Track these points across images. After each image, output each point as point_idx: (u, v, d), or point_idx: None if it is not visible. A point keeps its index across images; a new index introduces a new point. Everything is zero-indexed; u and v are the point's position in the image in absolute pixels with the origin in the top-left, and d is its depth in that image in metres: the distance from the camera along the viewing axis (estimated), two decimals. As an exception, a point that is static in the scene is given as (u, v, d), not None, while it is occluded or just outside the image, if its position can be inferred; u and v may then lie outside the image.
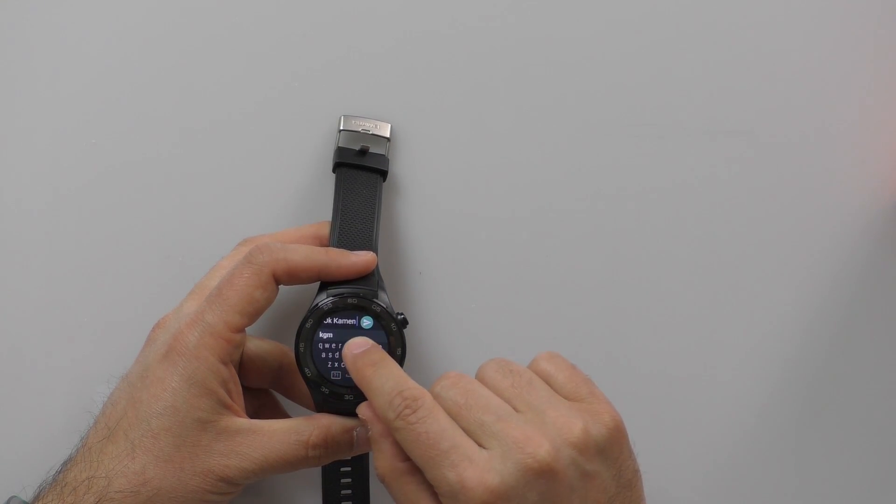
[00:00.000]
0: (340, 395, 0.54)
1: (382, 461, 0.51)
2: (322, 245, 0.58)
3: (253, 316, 0.54)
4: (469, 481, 0.46)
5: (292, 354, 0.55)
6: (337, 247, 0.57)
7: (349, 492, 0.60)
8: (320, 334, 0.55)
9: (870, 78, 0.67)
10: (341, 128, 0.62)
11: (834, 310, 0.67)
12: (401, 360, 0.55)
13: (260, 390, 0.59)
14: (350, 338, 0.54)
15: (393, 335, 0.55)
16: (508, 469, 0.47)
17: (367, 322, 0.55)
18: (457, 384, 0.50)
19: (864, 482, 0.68)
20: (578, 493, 0.48)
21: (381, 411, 0.50)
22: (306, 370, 0.54)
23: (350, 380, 0.54)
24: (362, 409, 0.52)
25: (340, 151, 0.62)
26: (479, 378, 0.51)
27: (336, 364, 0.55)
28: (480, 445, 0.48)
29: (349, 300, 0.55)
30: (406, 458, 0.50)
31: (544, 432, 0.48)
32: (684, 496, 0.66)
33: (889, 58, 0.67)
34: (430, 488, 0.49)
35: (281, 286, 0.55)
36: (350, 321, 0.55)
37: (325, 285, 0.56)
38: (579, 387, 0.51)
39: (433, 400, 0.49)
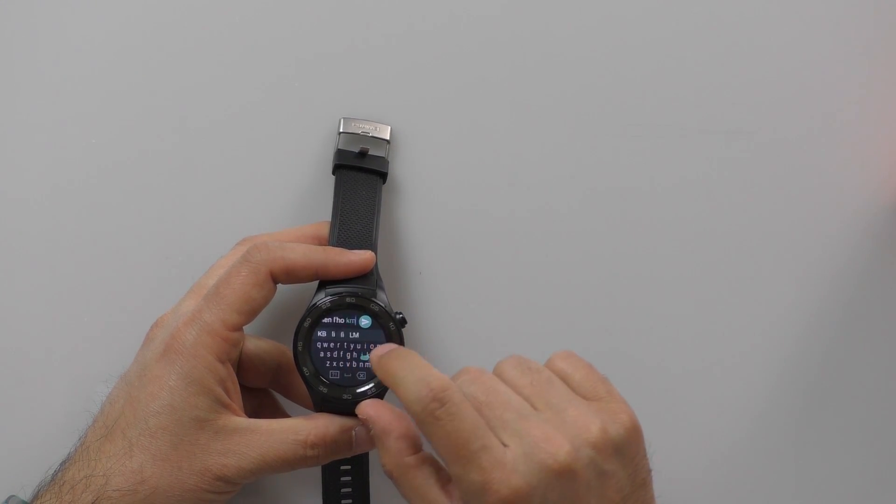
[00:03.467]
0: (339, 395, 0.54)
1: (388, 458, 0.50)
2: (321, 245, 0.58)
3: (250, 314, 0.54)
4: (494, 483, 0.46)
5: (290, 354, 0.55)
6: (336, 247, 0.57)
7: (349, 490, 0.59)
8: (318, 333, 0.55)
9: (870, 78, 0.67)
10: (341, 130, 0.62)
11: (834, 309, 0.67)
12: (399, 359, 0.55)
13: (259, 390, 0.59)
14: (348, 337, 0.54)
15: (391, 334, 0.55)
16: (531, 470, 0.47)
17: (365, 321, 0.55)
18: (477, 380, 0.50)
19: (865, 481, 0.67)
20: (595, 492, 0.48)
21: (408, 404, 0.49)
22: (304, 369, 0.54)
23: (348, 379, 0.54)
24: (362, 409, 0.52)
25: (340, 153, 0.62)
26: (498, 375, 0.51)
27: (334, 363, 0.55)
28: (501, 442, 0.48)
29: (347, 299, 0.55)
30: (411, 452, 0.50)
31: (564, 432, 0.48)
32: (685, 494, 0.66)
33: (889, 58, 0.67)
34: (438, 480, 0.49)
35: (279, 285, 0.55)
36: (348, 320, 0.55)
37: (323, 284, 0.56)
38: (596, 386, 0.51)
39: (460, 394, 0.48)
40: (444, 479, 0.50)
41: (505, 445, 0.48)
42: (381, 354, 0.52)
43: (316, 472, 0.60)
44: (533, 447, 0.47)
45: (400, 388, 0.50)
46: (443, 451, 0.48)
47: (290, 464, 0.54)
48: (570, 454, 0.47)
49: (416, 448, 0.50)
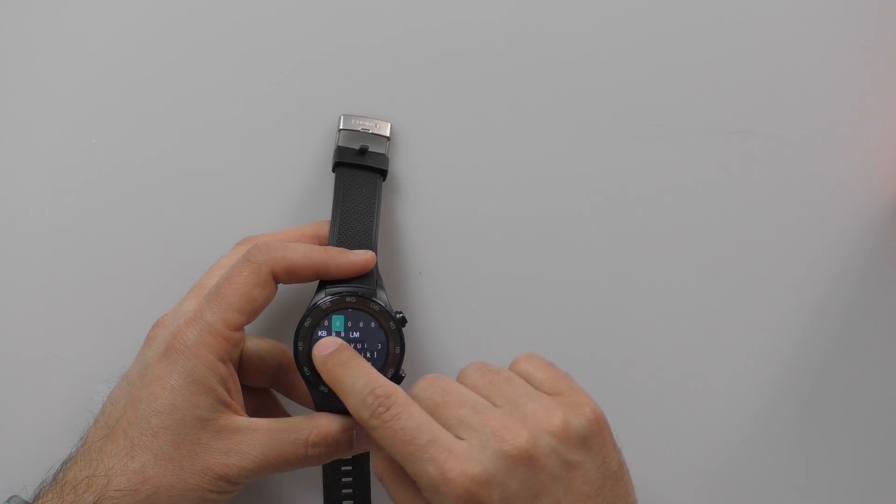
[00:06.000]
0: (340, 395, 0.55)
1: (380, 460, 0.51)
2: (322, 244, 0.58)
3: (252, 314, 0.54)
4: (450, 472, 0.46)
5: (291, 353, 0.55)
6: (336, 246, 0.57)
7: (350, 491, 0.60)
8: (319, 333, 0.55)
9: (870, 78, 0.67)
10: (341, 127, 0.62)
11: (834, 310, 0.67)
12: (399, 358, 0.55)
13: (259, 389, 0.59)
14: (349, 337, 0.54)
15: (391, 334, 0.55)
16: (488, 457, 0.47)
17: (365, 321, 0.55)
18: (434, 384, 0.50)
19: (864, 482, 0.68)
20: (562, 483, 0.48)
21: (356, 411, 0.50)
22: (305, 369, 0.54)
23: (350, 379, 0.54)
24: (362, 408, 0.53)
25: (340, 151, 0.62)
26: (459, 380, 0.52)
27: None
28: (459, 438, 0.48)
29: (348, 299, 0.55)
30: None
31: (523, 422, 0.48)
32: (685, 497, 0.66)
33: (889, 58, 0.67)
34: None
35: (280, 285, 0.55)
36: (348, 321, 0.55)
37: (324, 284, 0.56)
38: (559, 382, 0.51)
39: (406, 396, 0.49)
40: None
41: (462, 440, 0.48)
42: (325, 356, 0.52)
43: (317, 472, 0.60)
44: (489, 436, 0.47)
45: (346, 394, 0.51)
46: (394, 453, 0.48)
47: (291, 463, 0.54)
48: (528, 441, 0.47)
49: None
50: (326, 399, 0.55)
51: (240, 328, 0.54)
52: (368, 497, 0.60)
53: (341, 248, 0.56)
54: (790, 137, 0.66)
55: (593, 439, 0.49)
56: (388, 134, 0.63)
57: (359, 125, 0.63)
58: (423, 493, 0.48)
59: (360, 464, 0.60)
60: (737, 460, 0.66)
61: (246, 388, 0.57)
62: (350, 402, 0.50)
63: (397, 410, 0.48)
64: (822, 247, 0.67)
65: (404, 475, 0.50)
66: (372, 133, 0.63)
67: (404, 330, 0.55)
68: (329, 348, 0.52)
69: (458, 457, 0.47)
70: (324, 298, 0.55)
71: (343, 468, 0.59)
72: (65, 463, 0.53)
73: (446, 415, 0.49)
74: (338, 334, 0.55)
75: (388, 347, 0.55)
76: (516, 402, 0.49)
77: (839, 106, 0.67)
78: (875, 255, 0.67)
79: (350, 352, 0.52)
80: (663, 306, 0.66)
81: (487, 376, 0.51)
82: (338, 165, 0.61)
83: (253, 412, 0.57)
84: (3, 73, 0.61)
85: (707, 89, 0.66)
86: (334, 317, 0.55)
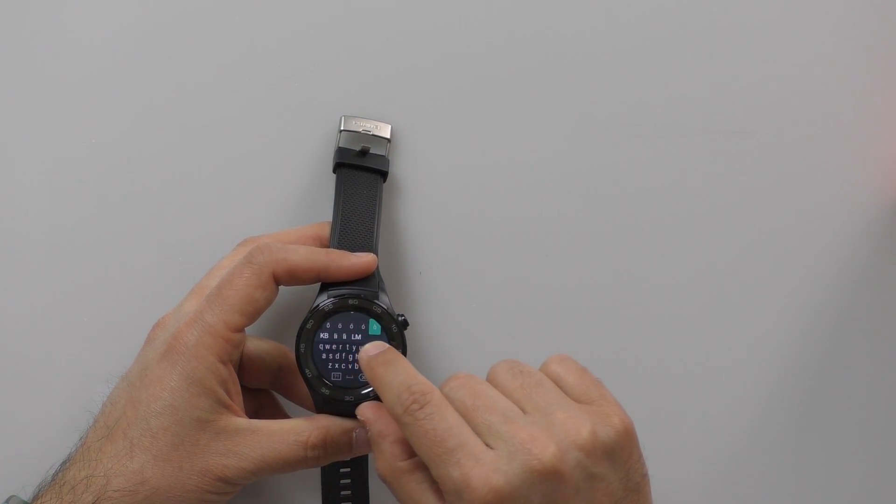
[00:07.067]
0: (341, 397, 0.55)
1: (382, 461, 0.51)
2: (322, 246, 0.58)
3: (252, 316, 0.54)
4: (474, 480, 0.46)
5: (292, 355, 0.55)
6: (337, 248, 0.57)
7: (349, 493, 0.59)
8: (321, 335, 0.55)
9: (870, 78, 0.67)
10: (342, 128, 0.62)
11: (834, 309, 0.67)
12: (401, 361, 0.55)
13: (260, 391, 0.59)
14: (351, 339, 0.54)
15: (394, 336, 0.55)
16: (514, 470, 0.47)
17: (364, 325, 0.55)
18: (465, 385, 0.50)
19: (865, 482, 0.68)
20: (584, 495, 0.48)
21: (390, 406, 0.50)
22: (307, 371, 0.54)
23: (350, 381, 0.54)
24: (362, 410, 0.53)
25: (341, 152, 0.62)
26: (490, 379, 0.52)
27: (336, 365, 0.55)
28: (487, 446, 0.48)
29: (350, 301, 0.55)
30: (406, 457, 0.50)
31: (551, 434, 0.48)
32: (685, 496, 0.66)
33: (889, 58, 0.67)
34: (432, 486, 0.49)
35: (281, 287, 0.55)
36: (350, 322, 0.55)
37: (325, 286, 0.56)
38: (589, 389, 0.51)
39: (442, 396, 0.49)
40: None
41: (490, 448, 0.48)
42: (371, 356, 0.52)
43: (315, 473, 0.59)
44: (517, 448, 0.47)
45: (384, 390, 0.50)
46: (422, 452, 0.48)
47: (290, 464, 0.54)
48: (555, 455, 0.47)
49: (412, 453, 0.50)
50: (327, 401, 0.55)
51: (240, 330, 0.54)
52: (367, 499, 0.60)
53: (343, 251, 0.56)
54: (790, 137, 0.66)
55: (620, 452, 0.49)
56: (388, 135, 0.63)
57: (360, 126, 0.63)
58: (445, 496, 0.48)
59: (359, 466, 0.59)
60: (736, 459, 0.66)
61: (246, 390, 0.57)
62: (386, 397, 0.50)
63: (431, 410, 0.48)
64: (822, 246, 0.67)
65: (409, 476, 0.50)
66: (373, 134, 0.63)
67: (406, 332, 0.55)
68: (377, 350, 0.52)
69: (484, 466, 0.47)
70: (326, 300, 0.55)
71: (342, 470, 0.59)
72: (64, 463, 0.53)
73: (476, 420, 0.48)
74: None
75: (390, 349, 0.55)
76: (545, 409, 0.49)
77: (839, 106, 0.67)
78: (875, 255, 0.67)
79: (395, 353, 0.52)
80: (663, 306, 0.66)
81: (518, 378, 0.51)
82: (338, 166, 0.61)
83: (253, 413, 0.57)
84: (3, 72, 0.61)
85: (707, 89, 0.66)
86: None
